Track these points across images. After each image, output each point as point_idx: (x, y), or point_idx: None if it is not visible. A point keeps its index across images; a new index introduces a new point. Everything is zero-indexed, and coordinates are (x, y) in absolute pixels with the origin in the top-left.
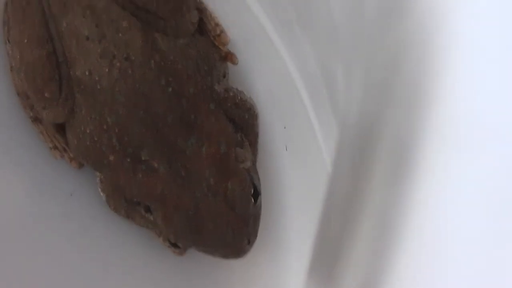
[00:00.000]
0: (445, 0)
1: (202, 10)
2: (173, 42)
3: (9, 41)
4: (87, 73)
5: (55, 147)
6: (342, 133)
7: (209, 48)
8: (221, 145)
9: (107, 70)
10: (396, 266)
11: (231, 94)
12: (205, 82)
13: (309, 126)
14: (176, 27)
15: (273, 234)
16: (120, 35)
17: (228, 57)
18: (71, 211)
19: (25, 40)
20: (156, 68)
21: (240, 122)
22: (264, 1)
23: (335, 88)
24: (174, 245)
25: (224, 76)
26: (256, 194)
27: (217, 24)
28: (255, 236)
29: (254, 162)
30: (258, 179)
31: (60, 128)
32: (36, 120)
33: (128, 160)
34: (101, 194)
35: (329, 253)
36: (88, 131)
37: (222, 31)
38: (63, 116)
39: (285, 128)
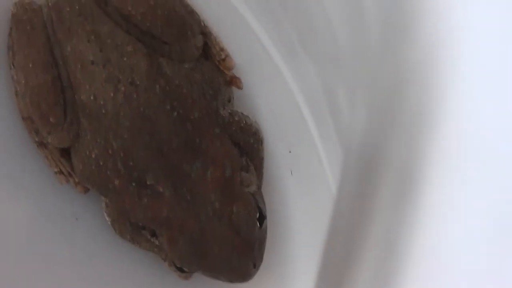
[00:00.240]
0: (449, 26)
1: (207, 35)
2: (178, 66)
3: (14, 66)
4: (92, 97)
5: (61, 172)
6: (346, 157)
7: (214, 72)
8: (226, 169)
9: (112, 94)
10: None
11: (236, 118)
12: (210, 107)
13: (314, 150)
14: (181, 52)
15: (278, 257)
16: (125, 59)
17: (233, 81)
18: (76, 235)
19: (30, 65)
20: (161, 92)
21: (245, 146)
22: (268, 26)
23: (340, 112)
24: (180, 269)
25: (229, 101)
26: (262, 218)
27: (222, 49)
28: (261, 260)
29: (259, 186)
30: (264, 203)
31: (65, 153)
32: (41, 144)
33: (133, 184)
34: (107, 218)
35: (334, 277)
36: (93, 155)
37: (227, 56)
38: (68, 140)
39: (290, 152)
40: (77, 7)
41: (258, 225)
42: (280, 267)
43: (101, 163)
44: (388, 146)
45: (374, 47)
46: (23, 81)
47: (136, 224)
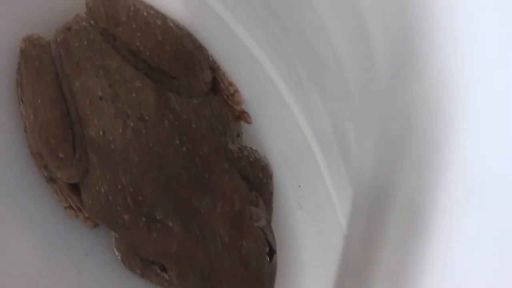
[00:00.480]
0: (456, 62)
1: (215, 70)
2: (187, 101)
3: (22, 101)
4: (101, 133)
5: (70, 207)
6: (356, 192)
7: (222, 107)
8: (236, 204)
9: (120, 130)
10: None
11: (245, 153)
12: (219, 141)
13: (323, 184)
14: (189, 87)
15: None
16: (133, 95)
17: (242, 116)
18: (86, 270)
19: (39, 101)
20: (170, 127)
21: (254, 180)
22: (277, 61)
23: (348, 147)
24: None
25: (238, 135)
26: (271, 252)
27: (230, 84)
28: None
29: (269, 221)
30: (273, 237)
31: (75, 188)
32: (50, 179)
33: (143, 219)
34: (116, 253)
35: None
36: (102, 190)
37: (236, 91)
38: (77, 176)
39: (299, 186)
40: (85, 42)
41: (268, 259)
42: None
43: (110, 198)
44: (397, 180)
45: (381, 83)
46: (32, 117)
47: (145, 259)
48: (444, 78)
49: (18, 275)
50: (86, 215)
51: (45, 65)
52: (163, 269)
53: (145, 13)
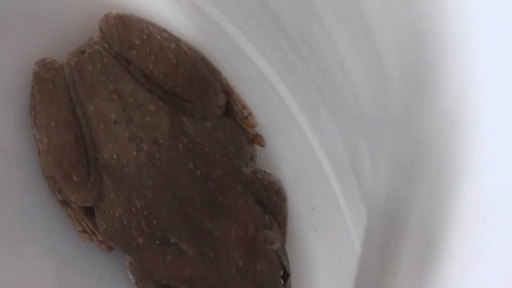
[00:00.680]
0: (470, 86)
1: (229, 93)
2: (200, 124)
3: (36, 125)
4: (115, 156)
5: (84, 230)
6: (370, 215)
7: (236, 130)
8: (250, 227)
9: (134, 153)
10: None
11: (259, 176)
12: (233, 165)
13: (337, 207)
14: (203, 110)
15: None
16: (147, 118)
17: (256, 139)
18: None
19: (52, 124)
20: (184, 151)
21: (268, 204)
22: (291, 84)
23: (362, 170)
24: None
25: (251, 158)
26: (286, 275)
27: (244, 107)
28: None
29: (283, 244)
30: (287, 260)
31: (89, 211)
32: (64, 203)
33: (157, 242)
34: (131, 276)
35: None
36: (116, 214)
37: (249, 114)
38: (91, 199)
39: (313, 209)
40: (99, 66)
41: (282, 282)
42: None
43: (124, 222)
44: (411, 204)
45: (395, 107)
46: (45, 140)
47: (160, 282)
48: (457, 103)
49: None
50: (100, 239)
51: (59, 88)
52: None
53: (158, 37)
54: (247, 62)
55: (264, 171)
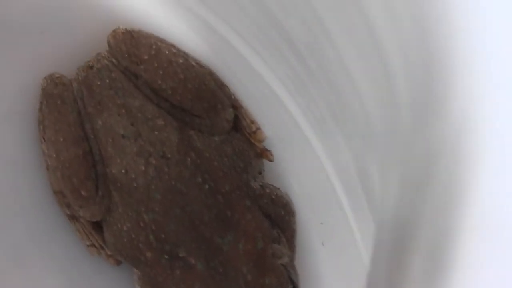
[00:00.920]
0: (478, 101)
1: (237, 108)
2: (209, 139)
3: (44, 140)
4: (123, 171)
5: (92, 245)
6: (379, 230)
7: (244, 145)
8: (258, 242)
9: (143, 168)
10: None
11: (267, 190)
12: (241, 179)
13: (345, 222)
14: (211, 125)
15: None
16: (155, 133)
17: (264, 154)
18: None
19: (61, 139)
20: (192, 165)
21: (276, 218)
22: (298, 98)
23: (371, 185)
24: None
25: (260, 173)
26: None
27: (252, 121)
28: None
29: (291, 258)
30: (296, 274)
31: (97, 225)
32: (73, 218)
33: (166, 257)
34: None
35: None
36: (125, 228)
37: (258, 128)
38: (100, 214)
39: (322, 224)
40: (107, 81)
41: None
42: None
43: (133, 236)
44: (420, 219)
45: (405, 123)
46: (54, 155)
47: None
48: (466, 118)
49: None
50: (109, 253)
51: (67, 103)
52: None
53: (167, 52)
54: (255, 77)
55: (272, 185)
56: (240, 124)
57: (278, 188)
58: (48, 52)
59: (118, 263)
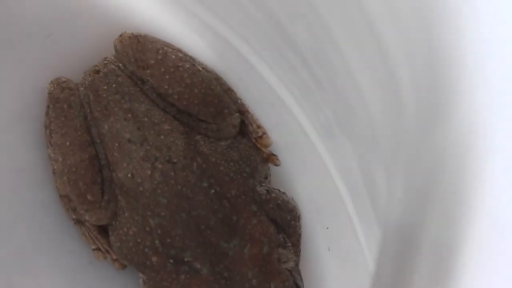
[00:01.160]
0: (483, 107)
1: (243, 113)
2: (215, 144)
3: (51, 144)
4: (129, 175)
5: (98, 249)
6: (384, 235)
7: (251, 150)
8: (264, 246)
9: (149, 172)
10: None
11: (273, 195)
12: (247, 184)
13: (351, 227)
14: (217, 130)
15: None
16: (162, 137)
17: (270, 158)
18: None
19: (67, 144)
20: (198, 170)
21: (282, 223)
22: (304, 103)
23: (376, 191)
24: None
25: (266, 178)
26: None
27: (258, 126)
28: None
29: (297, 263)
30: (301, 279)
31: (103, 230)
32: (78, 222)
33: (171, 261)
34: None
35: None
36: (131, 232)
37: (264, 133)
38: (106, 218)
39: (327, 228)
40: (114, 85)
41: None
42: None
43: (138, 241)
44: (425, 224)
45: (410, 128)
46: (60, 160)
47: None
48: (472, 124)
49: None
50: (114, 257)
51: (74, 108)
52: None
53: (173, 56)
54: (262, 82)
55: (278, 190)
56: (247, 129)
57: (284, 193)
58: (54, 56)
59: (124, 267)
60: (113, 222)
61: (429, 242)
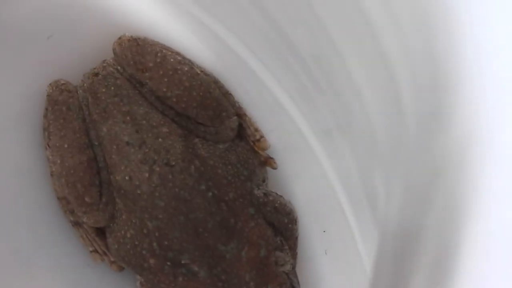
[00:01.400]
0: (483, 112)
1: (241, 116)
2: (213, 147)
3: (49, 146)
4: (127, 178)
5: (96, 251)
6: (382, 239)
7: (248, 153)
8: (261, 249)
9: (147, 175)
10: None
11: (271, 198)
12: (245, 187)
13: (348, 231)
14: (215, 133)
15: None
16: (160, 140)
17: (268, 161)
18: None
19: (66, 146)
20: (196, 173)
21: (279, 226)
22: (303, 106)
23: (375, 194)
24: None
25: (263, 181)
26: None
27: (256, 129)
28: None
29: (294, 266)
30: (298, 282)
31: (100, 232)
32: (76, 224)
33: (169, 263)
34: None
35: None
36: (128, 235)
37: (262, 136)
38: (103, 220)
39: (324, 232)
40: (112, 88)
41: None
42: None
43: (136, 243)
44: (423, 228)
45: (410, 135)
46: (58, 162)
47: None
48: (471, 130)
49: None
50: (112, 259)
51: (72, 110)
52: None
53: (172, 60)
54: (260, 86)
55: (276, 193)
56: (244, 132)
57: (282, 196)
58: (53, 59)
59: (121, 269)
60: (111, 225)
61: (426, 247)
